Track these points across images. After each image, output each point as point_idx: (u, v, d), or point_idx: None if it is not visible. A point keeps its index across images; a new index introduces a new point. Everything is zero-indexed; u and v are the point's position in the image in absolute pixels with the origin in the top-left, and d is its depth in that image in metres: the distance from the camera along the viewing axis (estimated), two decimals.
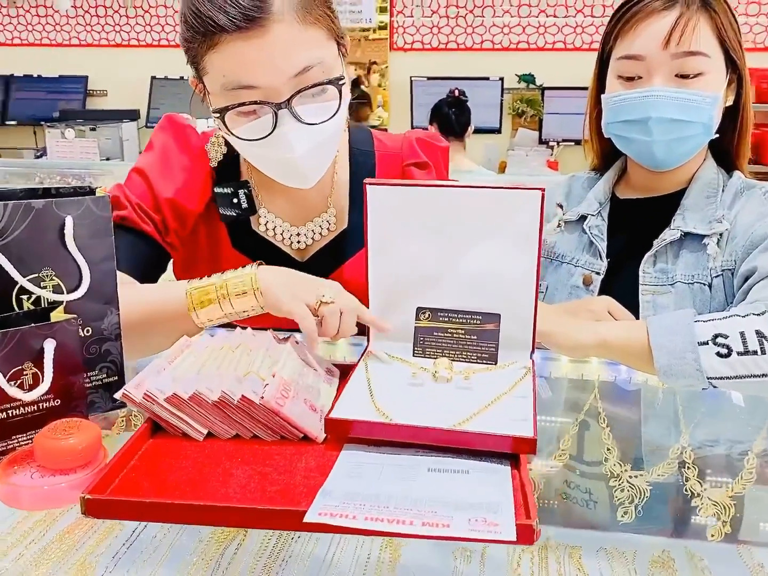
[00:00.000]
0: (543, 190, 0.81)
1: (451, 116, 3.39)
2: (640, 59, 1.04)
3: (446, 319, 0.87)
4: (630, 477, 0.97)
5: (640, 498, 0.96)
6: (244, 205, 1.02)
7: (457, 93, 3.49)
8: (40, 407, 0.68)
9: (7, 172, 3.15)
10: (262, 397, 0.71)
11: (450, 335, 0.87)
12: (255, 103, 0.86)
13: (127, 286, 0.92)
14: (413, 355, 0.88)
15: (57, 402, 0.69)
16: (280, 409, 0.71)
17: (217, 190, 1.02)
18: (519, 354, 0.86)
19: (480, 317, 0.86)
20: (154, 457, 0.70)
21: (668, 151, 1.06)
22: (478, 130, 3.75)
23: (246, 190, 1.02)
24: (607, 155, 1.22)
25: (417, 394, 0.78)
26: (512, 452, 0.69)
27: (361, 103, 4.49)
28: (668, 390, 1.07)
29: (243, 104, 0.86)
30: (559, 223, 1.22)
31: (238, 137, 0.90)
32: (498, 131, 4.61)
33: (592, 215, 1.18)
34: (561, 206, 1.23)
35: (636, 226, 1.15)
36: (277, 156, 0.91)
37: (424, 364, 0.84)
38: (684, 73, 1.03)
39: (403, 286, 0.88)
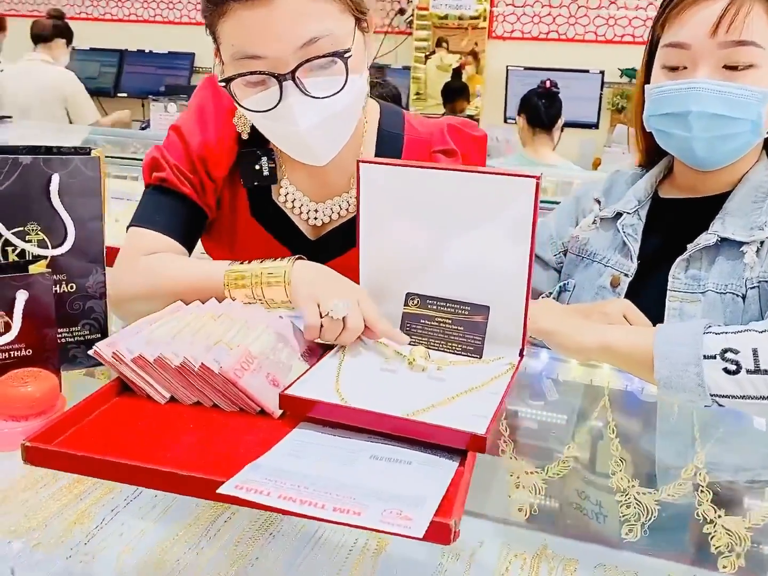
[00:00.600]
0: (538, 178, 0.76)
1: (540, 108, 3.29)
2: (686, 48, 0.96)
3: (434, 307, 0.84)
4: (638, 494, 0.92)
5: (647, 517, 0.90)
6: (266, 172, 1.03)
7: (548, 84, 3.37)
8: (10, 355, 0.71)
9: (105, 140, 3.31)
10: (221, 367, 0.71)
11: (437, 324, 0.84)
12: (258, 73, 0.86)
13: (171, 257, 0.95)
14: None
15: (28, 352, 0.72)
16: (237, 380, 0.71)
17: (242, 152, 1.03)
18: (507, 350, 0.82)
19: (468, 308, 0.83)
20: (113, 415, 0.72)
21: (710, 149, 0.98)
22: (574, 125, 3.62)
23: (269, 158, 1.03)
24: (652, 151, 1.14)
25: (385, 381, 0.76)
26: (462, 448, 0.66)
27: (458, 92, 4.44)
28: (686, 405, 1.00)
29: (245, 74, 0.86)
30: (595, 220, 1.15)
31: (246, 108, 0.91)
32: (595, 126, 4.44)
33: (628, 213, 1.11)
34: (599, 202, 1.17)
35: (673, 228, 1.07)
36: (283, 129, 0.90)
37: (405, 350, 0.82)
38: (732, 64, 0.94)
39: (394, 269, 0.86)
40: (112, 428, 0.69)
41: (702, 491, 0.89)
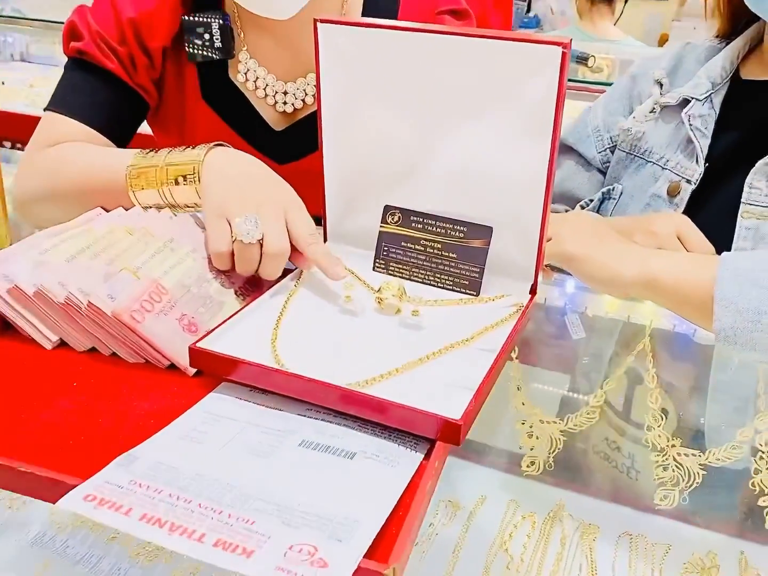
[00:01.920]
0: (565, 45, 0.52)
1: None
2: None
3: (419, 226, 0.63)
4: (678, 455, 0.73)
5: (687, 482, 0.72)
6: (218, 43, 0.79)
7: None
8: None
9: None
10: (115, 307, 0.53)
11: (422, 249, 0.63)
12: None
13: (77, 148, 0.75)
14: (373, 269, 0.65)
15: None
16: (135, 325, 0.53)
17: (186, 19, 0.79)
18: (513, 285, 0.61)
19: (464, 228, 0.61)
20: None
21: None
22: None
23: (222, 23, 0.79)
24: (738, 15, 0.86)
25: (340, 328, 0.56)
26: (428, 436, 0.47)
27: None
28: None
29: None
30: (654, 108, 0.90)
31: None
32: None
33: (698, 100, 0.85)
34: (661, 84, 0.90)
35: (756, 122, 0.81)
36: None
37: (378, 283, 0.62)
38: None
39: (368, 174, 0.64)
40: None
41: (762, 457, 0.70)
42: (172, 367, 0.55)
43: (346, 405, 0.48)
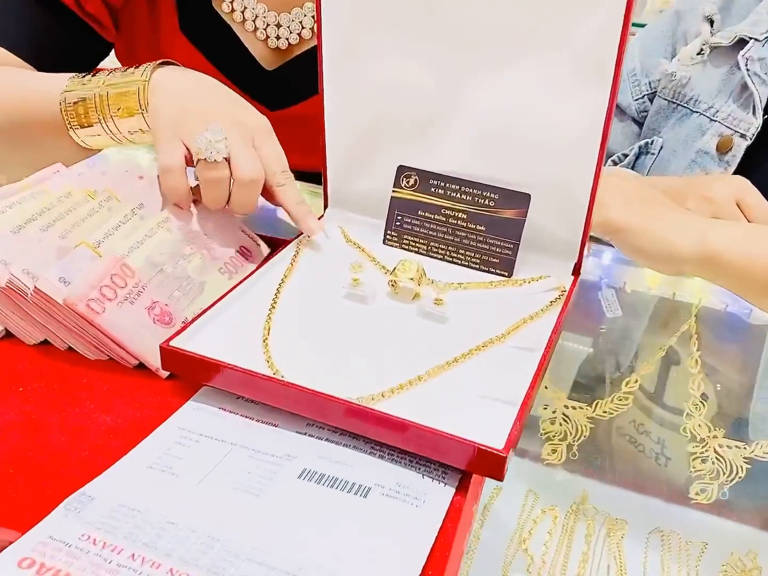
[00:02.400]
0: None
1: None
2: None
3: (441, 191, 0.52)
4: (720, 446, 0.65)
5: (729, 476, 0.64)
6: None
7: None
8: None
9: None
10: (67, 294, 0.42)
11: (444, 219, 0.52)
12: None
13: (4, 70, 0.62)
14: (384, 242, 0.55)
15: None
16: (94, 317, 0.42)
17: None
18: (554, 265, 0.51)
19: (496, 195, 0.51)
20: None
21: None
22: None
23: None
24: None
25: (348, 321, 0.46)
26: (461, 468, 0.37)
27: None
28: None
29: None
30: (702, 49, 0.78)
31: None
32: None
33: (758, 41, 0.73)
34: (711, 21, 0.78)
35: None
36: None
37: (390, 261, 0.51)
38: None
39: (378, 125, 0.53)
40: None
41: None
42: (142, 366, 0.45)
43: (358, 425, 0.38)
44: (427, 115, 0.51)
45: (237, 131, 0.49)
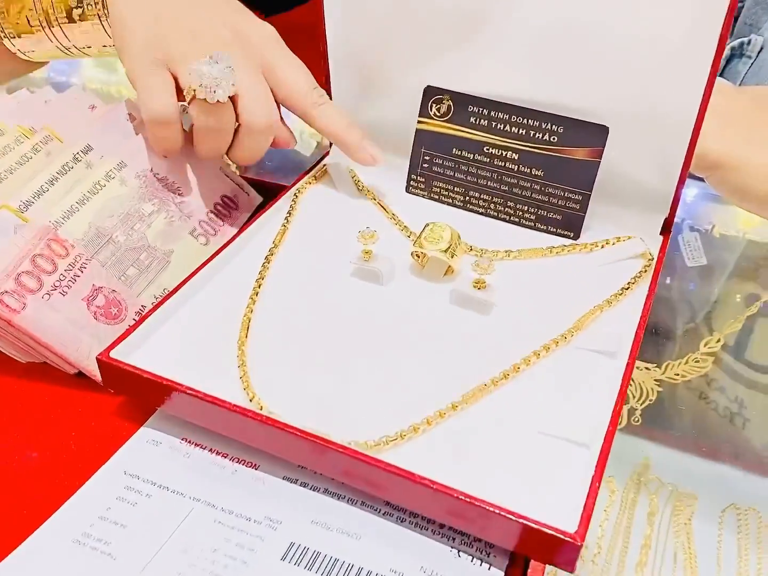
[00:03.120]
0: None
1: None
2: None
3: (483, 122, 0.38)
4: None
5: None
6: None
7: None
8: None
9: None
10: None
11: (487, 161, 0.39)
12: None
13: None
14: (407, 190, 0.42)
15: None
16: (11, 316, 0.31)
17: None
18: (637, 222, 0.38)
19: (560, 127, 0.37)
20: None
21: None
22: None
23: None
24: None
25: (352, 317, 0.34)
26: (514, 550, 0.26)
27: None
28: None
29: None
30: None
31: None
32: None
33: None
34: None
35: None
36: None
37: (415, 215, 0.39)
38: None
39: (397, 36, 0.39)
40: None
41: None
42: (82, 375, 0.34)
43: (366, 481, 0.27)
44: (464, 18, 0.37)
45: (240, 51, 0.36)
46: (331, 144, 0.44)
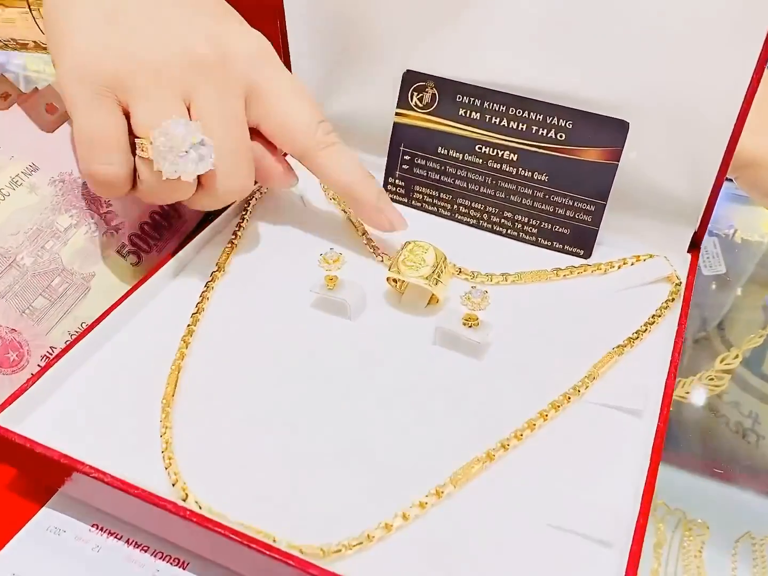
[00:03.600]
0: None
1: None
2: None
3: (475, 115, 0.32)
4: None
5: None
6: None
7: None
8: None
9: None
10: None
11: (481, 162, 0.32)
12: None
13: None
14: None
15: None
16: None
17: None
18: (661, 235, 0.31)
19: (571, 123, 0.30)
20: None
21: None
22: None
23: None
24: None
25: (310, 367, 0.27)
26: None
27: None
28: None
29: None
30: None
31: None
32: None
33: None
34: None
35: None
36: None
37: (386, 234, 0.32)
38: None
39: (370, 9, 0.32)
40: None
41: None
42: None
43: None
44: None
45: (222, 74, 0.27)
46: None
